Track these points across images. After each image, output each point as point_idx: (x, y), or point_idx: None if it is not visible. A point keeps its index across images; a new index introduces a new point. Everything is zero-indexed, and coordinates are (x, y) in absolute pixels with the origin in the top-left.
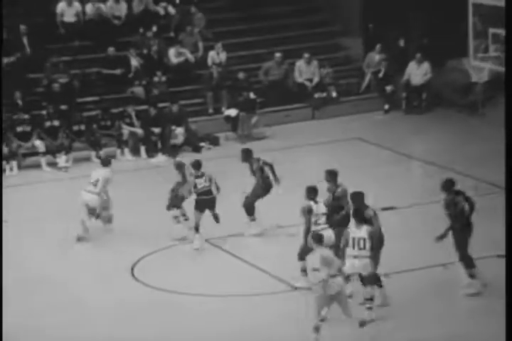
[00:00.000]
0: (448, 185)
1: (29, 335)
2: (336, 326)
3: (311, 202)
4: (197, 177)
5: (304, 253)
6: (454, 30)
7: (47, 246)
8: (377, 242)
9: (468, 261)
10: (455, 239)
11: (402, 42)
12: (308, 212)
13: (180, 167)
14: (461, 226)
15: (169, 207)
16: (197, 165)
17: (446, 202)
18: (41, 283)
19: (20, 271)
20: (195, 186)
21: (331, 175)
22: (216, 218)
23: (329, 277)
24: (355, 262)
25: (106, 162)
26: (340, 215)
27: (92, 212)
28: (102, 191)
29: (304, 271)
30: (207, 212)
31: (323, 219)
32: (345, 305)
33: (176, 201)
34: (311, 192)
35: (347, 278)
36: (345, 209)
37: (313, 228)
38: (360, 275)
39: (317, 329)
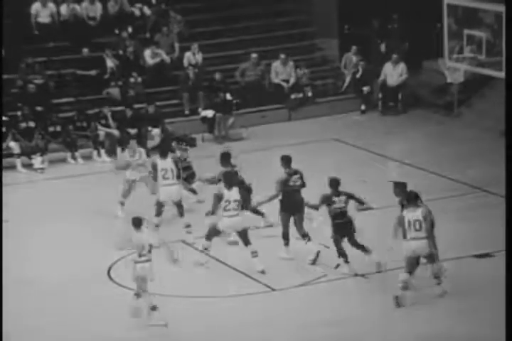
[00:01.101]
0: (333, 184)
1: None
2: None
3: (224, 189)
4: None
5: (211, 235)
6: (430, 31)
7: (23, 247)
8: (430, 223)
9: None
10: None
11: (383, 47)
12: (217, 197)
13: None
14: (335, 224)
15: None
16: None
17: (321, 198)
18: (20, 283)
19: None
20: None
21: (284, 161)
22: None
23: (137, 259)
24: (413, 244)
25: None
26: (265, 199)
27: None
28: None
29: (205, 248)
30: None
31: (233, 205)
32: (144, 287)
33: (160, 208)
34: (227, 179)
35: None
36: (273, 194)
37: (223, 214)
38: (421, 256)
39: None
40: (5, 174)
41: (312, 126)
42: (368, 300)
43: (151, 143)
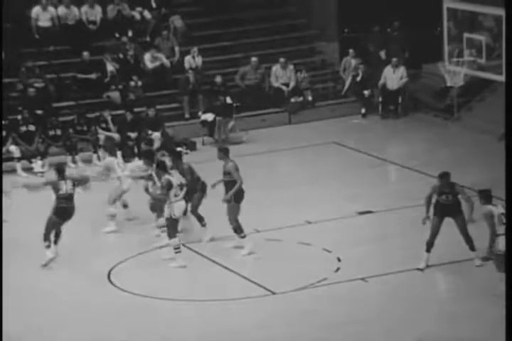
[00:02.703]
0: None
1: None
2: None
3: (169, 176)
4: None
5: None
6: (429, 34)
7: (24, 250)
8: None
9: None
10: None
11: (383, 54)
12: (168, 185)
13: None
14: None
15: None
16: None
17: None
18: (21, 285)
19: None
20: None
21: (222, 153)
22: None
23: None
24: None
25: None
26: (234, 189)
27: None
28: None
29: (176, 248)
30: None
31: (179, 190)
32: None
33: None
34: (164, 167)
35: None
36: (238, 183)
37: (175, 199)
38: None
39: None
40: (5, 178)
41: (312, 130)
42: (368, 304)
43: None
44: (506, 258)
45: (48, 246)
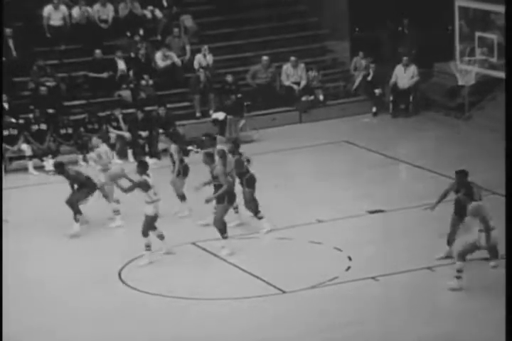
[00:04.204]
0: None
1: (30, 335)
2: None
3: (146, 177)
4: None
5: (147, 229)
6: (441, 33)
7: (33, 250)
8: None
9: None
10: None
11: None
12: (145, 186)
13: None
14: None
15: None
16: None
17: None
18: (32, 284)
19: (13, 274)
20: None
21: (207, 157)
22: None
23: None
24: (495, 232)
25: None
26: (220, 191)
27: None
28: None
29: (148, 246)
30: None
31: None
32: None
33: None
34: (143, 167)
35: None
36: (224, 187)
37: (154, 198)
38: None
39: None
40: (17, 176)
41: (323, 129)
42: (378, 303)
43: (161, 146)
44: (506, 258)
45: (80, 216)
